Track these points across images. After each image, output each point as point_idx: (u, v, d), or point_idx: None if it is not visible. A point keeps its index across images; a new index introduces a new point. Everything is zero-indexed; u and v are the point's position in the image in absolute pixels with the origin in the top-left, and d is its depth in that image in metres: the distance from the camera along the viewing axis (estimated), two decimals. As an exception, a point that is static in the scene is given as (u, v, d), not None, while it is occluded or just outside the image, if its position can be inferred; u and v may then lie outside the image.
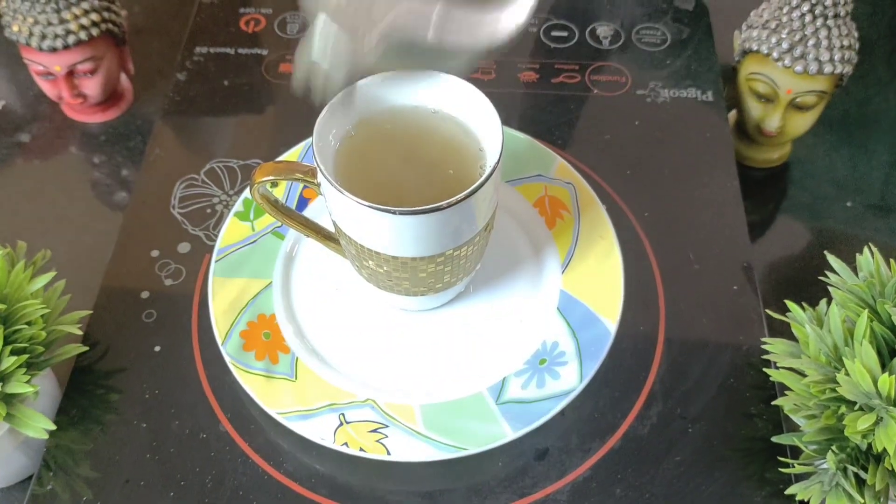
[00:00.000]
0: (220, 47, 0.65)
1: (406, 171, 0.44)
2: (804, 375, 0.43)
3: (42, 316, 0.44)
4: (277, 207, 0.46)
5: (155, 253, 0.53)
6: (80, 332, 0.46)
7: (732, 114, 0.65)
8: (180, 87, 0.62)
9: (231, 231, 0.51)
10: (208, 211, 0.55)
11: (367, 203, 0.39)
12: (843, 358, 0.41)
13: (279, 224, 0.52)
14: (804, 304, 0.46)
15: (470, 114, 0.44)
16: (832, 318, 0.43)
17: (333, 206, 0.42)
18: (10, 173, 0.64)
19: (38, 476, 0.45)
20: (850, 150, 0.66)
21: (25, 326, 0.43)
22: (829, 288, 0.44)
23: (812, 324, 0.44)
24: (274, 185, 0.52)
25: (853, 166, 0.65)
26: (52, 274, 0.45)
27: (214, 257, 0.50)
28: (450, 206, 0.39)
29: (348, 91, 0.43)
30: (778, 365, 0.45)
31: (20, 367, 0.42)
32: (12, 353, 0.42)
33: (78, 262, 0.57)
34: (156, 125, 0.60)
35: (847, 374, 0.40)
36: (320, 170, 0.40)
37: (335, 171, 0.42)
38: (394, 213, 0.39)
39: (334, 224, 0.44)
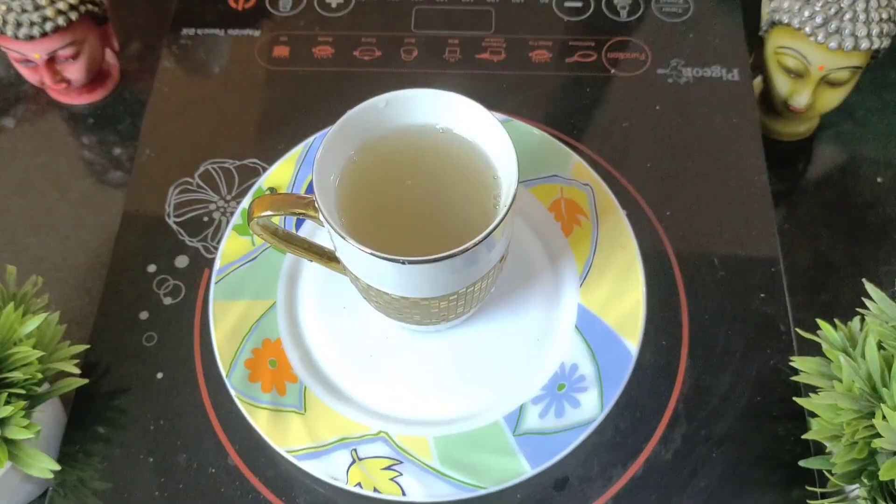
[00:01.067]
0: (209, 28, 0.60)
1: (414, 200, 0.41)
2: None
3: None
4: (279, 236, 0.43)
5: (152, 268, 0.50)
6: (77, 371, 0.44)
7: (757, 82, 0.61)
8: (167, 75, 0.58)
9: (230, 247, 0.49)
10: (205, 219, 0.52)
11: (373, 252, 0.36)
12: (881, 394, 0.39)
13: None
14: (836, 322, 0.44)
15: (480, 135, 0.41)
16: (868, 349, 0.40)
17: (338, 246, 0.39)
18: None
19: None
20: (879, 123, 0.62)
21: (19, 373, 0.41)
22: (867, 318, 0.41)
23: (846, 354, 0.42)
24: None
25: (883, 140, 0.62)
26: (43, 316, 0.42)
27: (214, 278, 0.47)
28: (463, 251, 0.36)
29: (344, 121, 0.39)
30: (807, 383, 0.43)
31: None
32: (9, 397, 0.41)
33: (74, 259, 0.56)
34: (144, 122, 0.56)
35: (884, 417, 0.38)
36: (323, 215, 0.37)
37: (338, 204, 0.39)
38: (402, 262, 0.36)
39: (339, 260, 0.42)
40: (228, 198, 0.53)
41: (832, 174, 0.60)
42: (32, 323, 0.42)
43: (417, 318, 0.42)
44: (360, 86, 0.57)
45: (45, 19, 0.55)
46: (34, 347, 0.42)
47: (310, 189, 0.50)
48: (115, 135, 0.61)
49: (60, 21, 0.55)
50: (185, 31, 0.60)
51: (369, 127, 0.41)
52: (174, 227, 0.52)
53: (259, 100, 0.57)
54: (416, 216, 0.40)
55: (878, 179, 0.60)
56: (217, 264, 0.48)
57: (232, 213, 0.52)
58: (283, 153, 0.52)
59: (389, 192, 0.41)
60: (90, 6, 0.57)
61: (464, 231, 0.37)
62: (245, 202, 0.50)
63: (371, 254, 0.36)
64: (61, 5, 0.55)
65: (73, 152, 0.61)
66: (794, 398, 0.42)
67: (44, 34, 0.55)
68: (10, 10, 0.54)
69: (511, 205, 0.37)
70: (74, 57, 0.58)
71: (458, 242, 0.36)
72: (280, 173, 0.51)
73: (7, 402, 0.41)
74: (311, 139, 0.52)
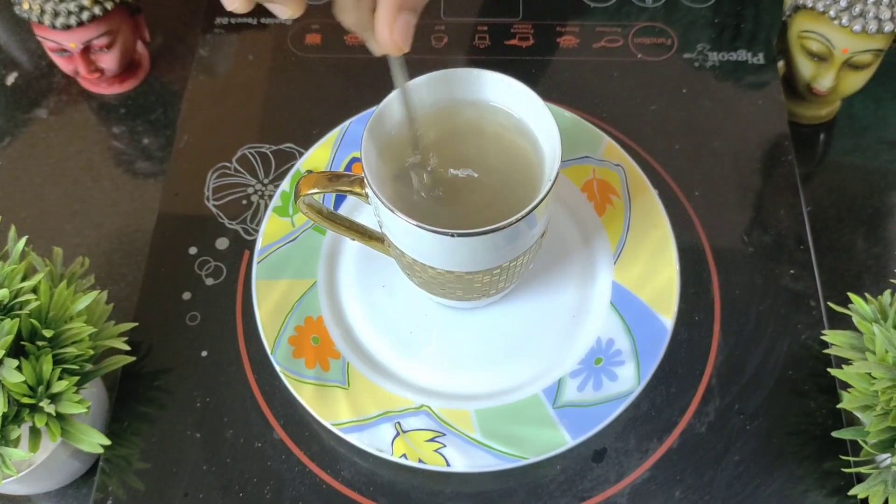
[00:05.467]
0: (241, 17, 0.61)
1: (461, 172, 0.42)
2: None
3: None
4: (324, 215, 0.45)
5: (193, 250, 0.52)
6: (127, 348, 0.45)
7: (780, 65, 0.62)
8: (203, 63, 0.59)
9: (271, 228, 0.50)
10: (244, 202, 0.53)
11: (422, 225, 0.37)
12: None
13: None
14: (867, 296, 0.45)
15: (524, 113, 0.42)
16: (902, 319, 0.41)
17: (385, 221, 0.40)
18: (31, 152, 0.61)
19: (97, 488, 0.45)
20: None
21: (73, 349, 0.42)
22: (900, 290, 0.42)
23: (879, 324, 0.43)
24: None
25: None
26: (94, 294, 0.44)
27: (256, 258, 0.49)
28: (510, 224, 0.37)
29: (394, 95, 0.40)
30: (838, 356, 0.44)
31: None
32: (62, 373, 0.42)
33: (108, 245, 0.57)
34: (182, 109, 0.57)
35: (921, 385, 0.39)
36: (372, 189, 0.38)
37: (384, 180, 0.40)
38: (451, 235, 0.37)
39: (384, 235, 0.43)
40: (266, 181, 0.54)
41: (854, 157, 0.61)
42: (84, 300, 0.43)
43: (460, 293, 0.44)
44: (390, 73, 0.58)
45: (81, 8, 0.56)
46: (85, 324, 0.43)
47: (348, 168, 0.52)
48: (146, 124, 0.62)
49: (97, 10, 0.56)
50: (218, 20, 0.61)
51: (414, 105, 0.42)
52: (214, 210, 0.53)
53: (292, 86, 0.58)
54: (460, 191, 0.41)
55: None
56: (258, 245, 0.49)
57: (270, 196, 0.53)
58: (318, 138, 0.53)
59: (438, 163, 0.42)
60: None
61: (508, 206, 0.38)
62: (285, 184, 0.51)
63: (419, 226, 0.37)
64: None
65: (105, 142, 0.62)
66: (829, 369, 0.43)
67: (80, 23, 0.56)
68: (47, 0, 0.55)
69: (556, 179, 0.38)
70: (109, 46, 0.59)
71: (502, 217, 0.37)
72: (317, 156, 0.52)
73: (60, 378, 0.42)
74: (346, 123, 0.53)
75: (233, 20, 0.61)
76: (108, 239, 0.57)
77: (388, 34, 0.34)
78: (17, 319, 0.40)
